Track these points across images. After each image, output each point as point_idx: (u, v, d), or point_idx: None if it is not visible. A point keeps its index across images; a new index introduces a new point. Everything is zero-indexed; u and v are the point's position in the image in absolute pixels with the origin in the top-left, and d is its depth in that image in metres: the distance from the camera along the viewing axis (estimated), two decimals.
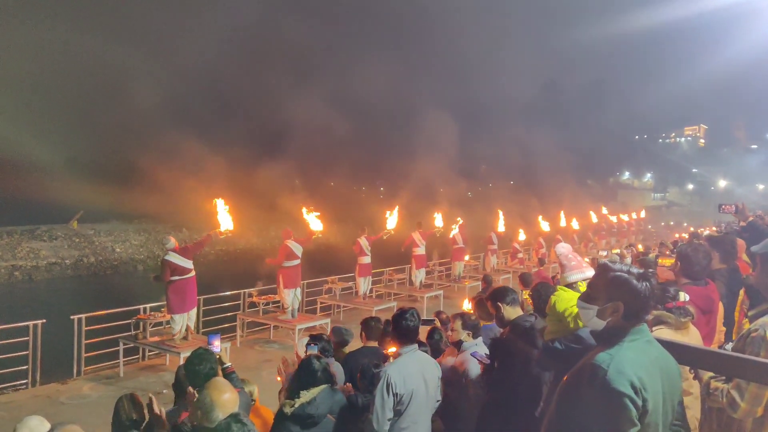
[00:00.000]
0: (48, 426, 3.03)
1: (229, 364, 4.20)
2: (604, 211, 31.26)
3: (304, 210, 11.32)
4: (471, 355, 4.04)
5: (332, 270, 14.36)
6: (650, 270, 2.16)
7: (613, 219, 31.30)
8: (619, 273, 2.16)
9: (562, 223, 24.50)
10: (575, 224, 25.19)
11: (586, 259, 3.41)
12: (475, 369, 4.08)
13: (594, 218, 29.40)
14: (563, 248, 3.31)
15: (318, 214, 11.25)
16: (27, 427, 3.02)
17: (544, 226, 21.76)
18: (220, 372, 3.89)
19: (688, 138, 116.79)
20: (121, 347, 8.99)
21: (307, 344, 4.41)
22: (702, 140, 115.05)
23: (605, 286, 2.19)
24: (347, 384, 4.07)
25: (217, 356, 4.18)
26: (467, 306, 5.36)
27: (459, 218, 17.05)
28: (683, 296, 3.62)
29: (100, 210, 35.46)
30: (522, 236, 20.01)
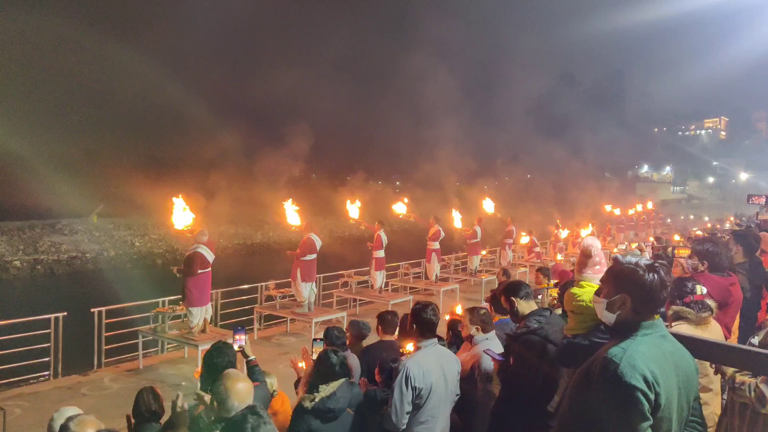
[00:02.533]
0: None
1: (253, 357, 4.23)
2: (608, 208, 31.02)
3: (289, 201, 11.43)
4: (484, 352, 4.02)
5: (343, 265, 14.40)
6: (663, 262, 2.13)
7: (631, 213, 30.99)
8: (626, 265, 2.16)
9: (577, 219, 24.33)
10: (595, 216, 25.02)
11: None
12: (487, 363, 4.06)
13: (617, 212, 29.19)
14: (596, 244, 3.20)
15: (297, 208, 11.38)
16: (62, 417, 3.13)
17: (561, 220, 21.61)
18: (245, 367, 3.94)
19: (709, 130, 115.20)
20: (141, 340, 9.10)
21: (314, 340, 4.43)
22: (723, 132, 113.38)
23: (614, 279, 2.20)
24: (362, 379, 4.07)
25: (241, 349, 4.22)
26: (459, 311, 5.30)
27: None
28: (701, 290, 3.56)
29: (120, 204, 35.84)
30: (525, 239, 19.85)
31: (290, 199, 11.56)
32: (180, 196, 9.54)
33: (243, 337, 4.34)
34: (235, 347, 4.31)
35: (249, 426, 2.42)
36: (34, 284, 25.14)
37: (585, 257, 3.15)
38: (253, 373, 4.12)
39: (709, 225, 22.15)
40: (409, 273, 15.18)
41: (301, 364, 4.56)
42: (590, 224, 20.91)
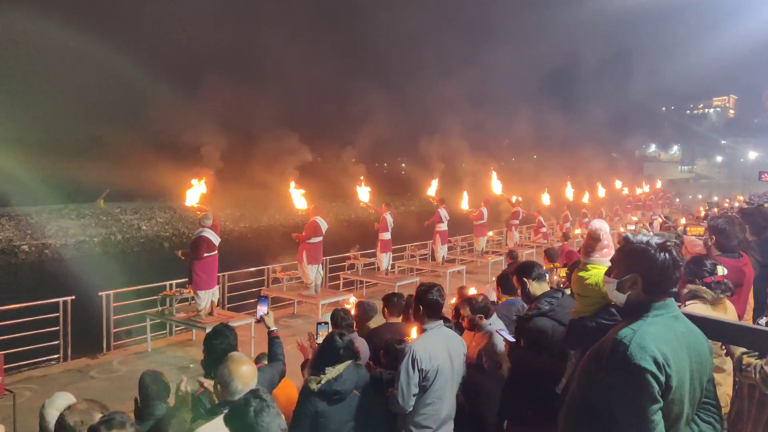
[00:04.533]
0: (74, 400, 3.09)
1: (275, 328, 4.21)
2: (619, 185, 30.90)
3: (292, 184, 11.43)
4: (497, 332, 3.98)
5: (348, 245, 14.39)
6: (674, 241, 2.08)
7: (639, 192, 30.88)
8: (637, 244, 2.11)
9: (586, 197, 24.23)
10: (602, 196, 24.91)
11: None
12: (498, 344, 4.03)
13: (625, 191, 29.08)
14: (604, 227, 3.15)
15: (303, 191, 11.41)
16: (54, 407, 3.09)
17: (569, 199, 21.51)
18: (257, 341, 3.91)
19: (717, 109, 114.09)
20: (149, 323, 9.14)
21: (318, 323, 4.40)
22: (732, 111, 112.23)
23: (624, 258, 2.16)
24: (368, 361, 4.05)
25: (261, 320, 4.22)
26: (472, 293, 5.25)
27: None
28: (722, 270, 3.48)
29: (126, 188, 35.94)
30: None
31: (293, 183, 11.57)
32: (202, 177, 9.61)
33: (264, 308, 4.34)
34: (257, 316, 4.40)
35: (252, 409, 2.41)
36: (42, 268, 25.31)
37: (593, 240, 3.11)
38: (273, 345, 4.10)
39: (726, 202, 21.52)
40: (415, 255, 15.18)
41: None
42: (601, 209, 20.76)
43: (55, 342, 8.61)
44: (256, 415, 2.38)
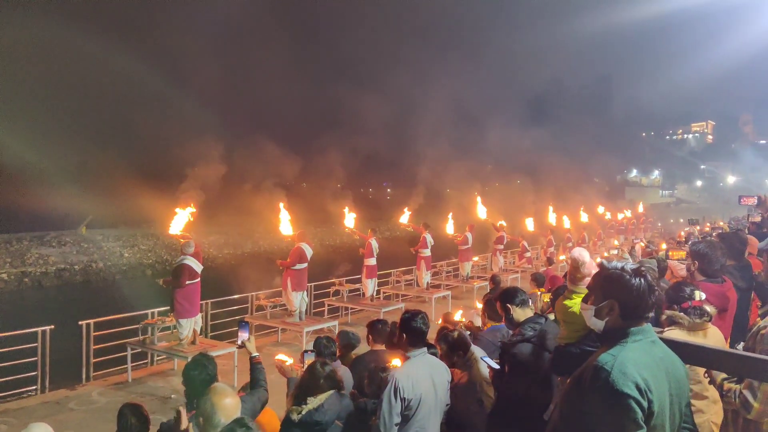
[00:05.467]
0: None
1: (256, 354, 4.16)
2: (602, 209, 31.29)
3: (281, 206, 11.44)
4: (481, 359, 3.96)
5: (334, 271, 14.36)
6: (649, 266, 2.10)
7: (620, 217, 31.27)
8: (612, 270, 2.13)
9: (567, 223, 24.46)
10: (585, 221, 25.17)
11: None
12: (483, 371, 4.01)
13: (608, 215, 29.43)
14: (587, 256, 3.18)
15: (289, 218, 11.42)
16: None
17: (553, 224, 21.66)
18: (240, 370, 3.86)
19: (696, 134, 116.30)
20: (129, 352, 8.97)
21: (304, 352, 4.35)
22: (710, 136, 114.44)
23: (600, 285, 2.18)
24: (353, 390, 4.00)
25: (241, 344, 4.17)
26: (458, 317, 5.22)
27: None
28: (699, 295, 3.49)
29: (109, 216, 35.58)
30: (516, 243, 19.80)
31: (282, 203, 11.55)
32: (189, 204, 9.61)
33: (245, 333, 4.28)
34: (238, 342, 4.32)
35: None
36: (21, 297, 24.87)
37: (574, 269, 3.14)
38: (255, 371, 4.05)
39: (707, 226, 21.73)
40: (400, 280, 15.13)
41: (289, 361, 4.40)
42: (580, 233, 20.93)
43: (33, 373, 8.42)
44: None
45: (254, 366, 4.08)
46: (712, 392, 3.15)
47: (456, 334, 4.28)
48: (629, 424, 1.87)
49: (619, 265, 2.14)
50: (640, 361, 1.95)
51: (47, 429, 3.11)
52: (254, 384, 3.99)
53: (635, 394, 1.86)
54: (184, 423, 2.93)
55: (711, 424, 3.17)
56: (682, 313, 3.36)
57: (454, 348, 4.19)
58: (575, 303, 2.95)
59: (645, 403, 1.87)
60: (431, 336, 4.04)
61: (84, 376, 8.92)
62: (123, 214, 35.79)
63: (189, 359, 4.28)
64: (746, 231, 8.61)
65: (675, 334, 3.25)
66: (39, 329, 8.49)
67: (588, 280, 2.99)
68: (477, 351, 4.19)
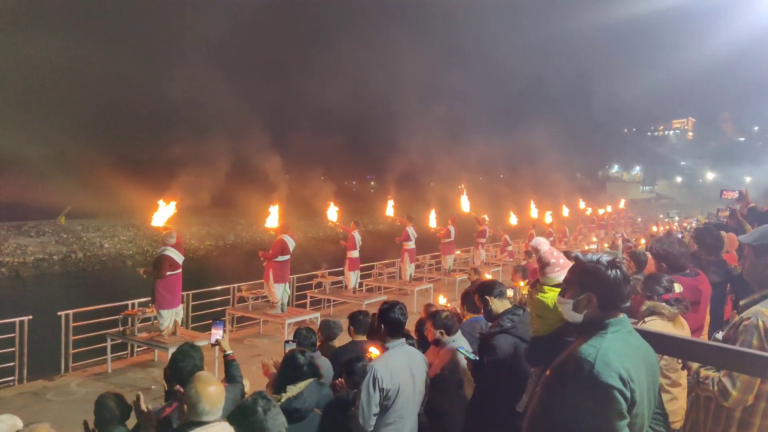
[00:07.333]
0: (21, 424, 2.99)
1: (230, 351, 4.16)
2: (582, 205, 31.61)
3: (274, 207, 11.45)
4: (458, 350, 3.99)
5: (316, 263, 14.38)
6: (622, 257, 2.15)
7: (602, 212, 31.60)
8: (588, 263, 2.17)
9: (549, 217, 24.66)
10: (566, 215, 25.40)
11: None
12: (460, 363, 4.05)
13: (588, 211, 29.71)
14: (544, 245, 3.20)
15: (275, 208, 11.44)
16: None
17: (535, 218, 21.82)
18: (221, 361, 3.86)
19: (677, 131, 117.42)
20: (109, 343, 8.91)
21: (286, 342, 4.36)
22: (690, 133, 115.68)
23: (577, 278, 2.20)
24: (339, 380, 4.02)
25: (217, 343, 4.15)
26: (442, 302, 5.26)
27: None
28: (678, 287, 3.60)
29: (89, 205, 35.09)
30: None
31: (273, 197, 11.55)
32: (173, 198, 9.52)
33: (219, 331, 4.22)
34: (212, 341, 4.25)
35: (260, 408, 2.61)
36: None
37: (540, 263, 3.15)
38: (231, 367, 4.06)
39: (668, 226, 21.90)
40: (383, 273, 15.17)
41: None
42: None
43: (11, 364, 8.34)
44: (265, 413, 2.60)
45: (229, 363, 4.09)
46: (685, 380, 3.23)
47: (445, 314, 4.32)
48: (614, 415, 1.91)
49: (594, 257, 2.17)
50: (621, 352, 1.98)
51: (15, 420, 3.07)
52: (230, 380, 4.00)
53: (619, 385, 1.89)
54: (144, 405, 3.08)
55: (682, 410, 3.26)
56: (664, 304, 3.44)
57: (441, 326, 4.22)
58: (548, 297, 2.98)
59: (628, 393, 1.91)
60: (410, 327, 4.07)
61: (63, 367, 8.85)
62: (103, 205, 35.29)
63: (172, 349, 4.26)
64: (725, 224, 8.73)
65: (656, 324, 3.33)
66: (17, 319, 8.40)
67: (558, 269, 3.03)
68: (460, 341, 4.23)
